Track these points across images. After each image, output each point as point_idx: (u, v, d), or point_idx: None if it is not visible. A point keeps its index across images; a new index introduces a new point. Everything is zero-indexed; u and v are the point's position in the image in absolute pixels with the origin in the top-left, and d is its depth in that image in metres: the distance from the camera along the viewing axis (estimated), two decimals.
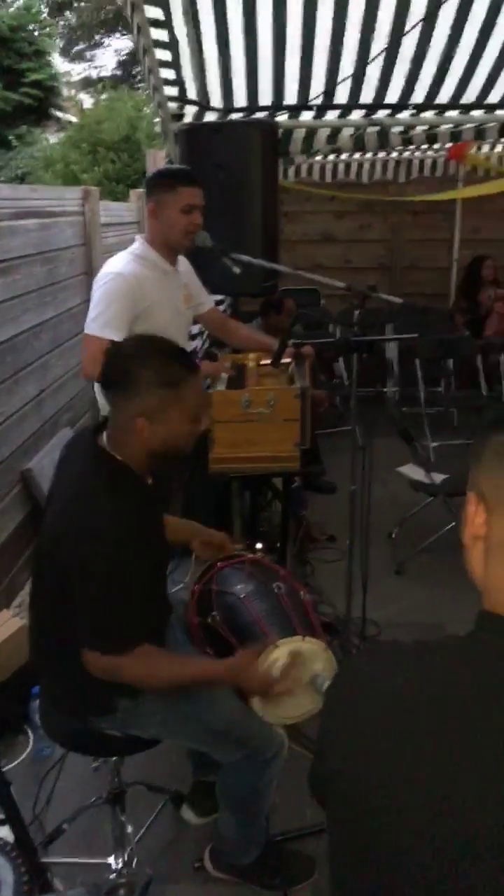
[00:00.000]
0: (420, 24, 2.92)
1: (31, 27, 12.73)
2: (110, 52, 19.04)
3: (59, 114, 13.71)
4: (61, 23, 17.31)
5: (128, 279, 2.23)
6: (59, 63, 14.52)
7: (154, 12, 2.74)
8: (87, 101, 13.50)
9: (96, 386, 2.39)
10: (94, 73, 18.49)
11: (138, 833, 1.87)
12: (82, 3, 18.10)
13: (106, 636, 1.43)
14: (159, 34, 2.89)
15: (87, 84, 17.45)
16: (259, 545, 3.03)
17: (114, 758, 1.70)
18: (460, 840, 0.65)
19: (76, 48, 18.51)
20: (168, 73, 3.24)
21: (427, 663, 0.77)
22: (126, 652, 1.43)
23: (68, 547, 1.41)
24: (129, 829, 1.78)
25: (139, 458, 1.49)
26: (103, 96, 11.15)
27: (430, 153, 5.69)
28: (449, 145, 5.00)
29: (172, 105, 3.47)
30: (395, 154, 5.64)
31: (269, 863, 1.79)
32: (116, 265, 2.28)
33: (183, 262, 2.49)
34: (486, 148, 5.14)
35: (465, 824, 0.65)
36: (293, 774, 1.82)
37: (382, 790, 0.70)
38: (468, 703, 0.70)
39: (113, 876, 1.69)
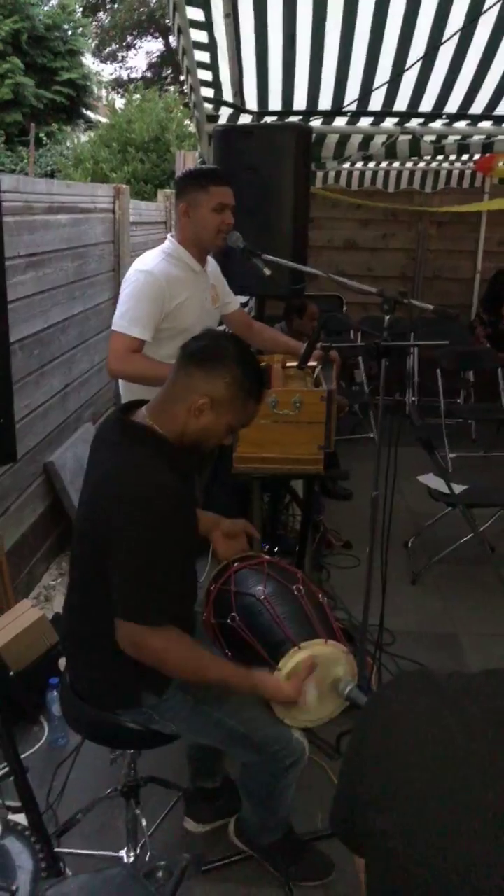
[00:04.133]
0: (457, 35, 2.92)
1: (65, 26, 12.86)
2: (141, 54, 19.22)
3: (89, 113, 13.84)
4: (94, 23, 17.47)
5: (157, 277, 2.24)
6: (91, 63, 14.66)
7: (195, 13, 2.76)
8: (118, 101, 13.60)
9: (120, 382, 2.42)
10: (125, 75, 18.65)
11: (151, 827, 1.87)
12: (116, 5, 18.25)
13: (140, 604, 1.41)
14: (199, 35, 2.91)
15: (118, 84, 17.60)
16: (276, 549, 3.05)
17: (131, 751, 1.71)
18: None
19: (108, 49, 18.67)
20: (205, 75, 3.26)
21: (472, 709, 0.74)
22: (158, 624, 1.42)
23: (109, 513, 1.42)
24: (144, 822, 1.78)
25: (177, 433, 1.50)
26: (135, 97, 11.22)
27: (457, 164, 5.70)
28: (478, 157, 5.01)
29: (208, 106, 3.49)
30: (422, 164, 5.65)
31: (289, 850, 1.80)
32: (147, 263, 2.29)
33: (211, 262, 2.51)
34: None
35: None
36: (306, 779, 1.82)
37: (439, 850, 0.67)
38: None
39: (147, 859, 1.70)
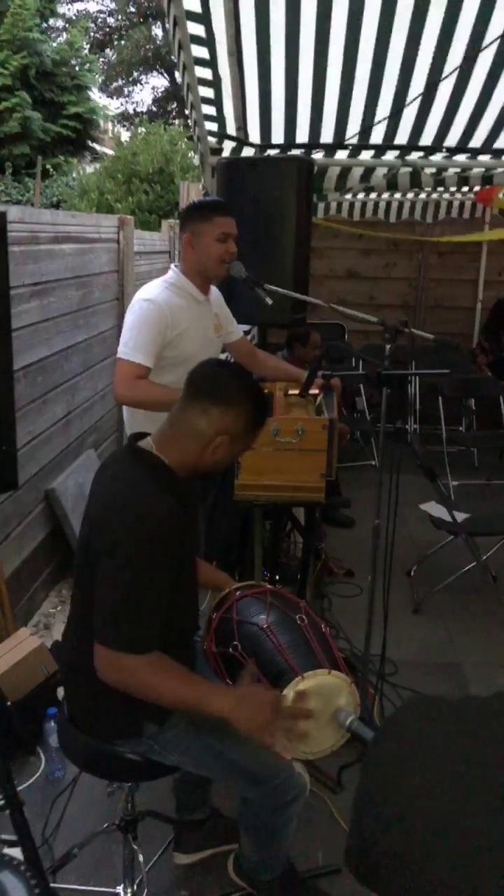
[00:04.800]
0: (457, 71, 2.99)
1: (72, 62, 13.17)
2: (147, 89, 19.66)
3: (95, 145, 14.11)
4: (101, 60, 17.90)
5: (160, 306, 2.27)
6: (97, 98, 14.99)
7: (200, 51, 2.83)
8: (123, 134, 13.88)
9: (124, 409, 2.44)
10: (130, 109, 19.05)
11: (149, 863, 1.84)
12: (122, 42, 18.72)
13: (117, 627, 1.37)
14: (203, 72, 2.99)
15: (123, 118, 17.97)
16: (277, 577, 3.03)
17: (129, 783, 1.68)
18: None
19: (115, 84, 19.10)
20: (209, 110, 3.33)
21: (486, 732, 0.73)
22: (138, 651, 1.37)
23: (104, 532, 1.41)
24: (141, 858, 1.74)
25: (187, 466, 1.51)
26: (140, 130, 11.45)
27: (458, 196, 5.78)
28: (478, 188, 5.09)
29: (212, 139, 3.56)
30: (423, 195, 5.73)
31: (289, 887, 1.76)
32: (150, 292, 2.32)
33: (214, 291, 2.54)
34: None
35: None
36: (307, 815, 1.79)
37: (455, 871, 0.66)
38: None
39: None
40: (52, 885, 1.70)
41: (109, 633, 1.38)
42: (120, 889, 1.73)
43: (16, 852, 1.53)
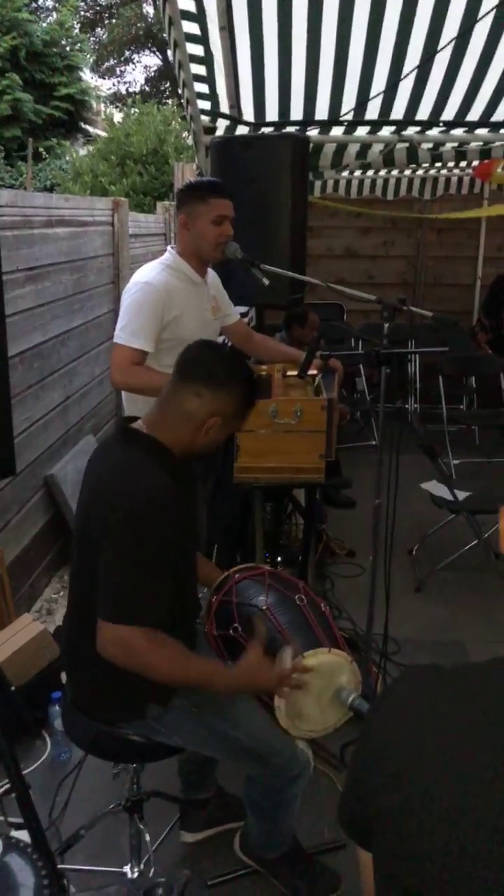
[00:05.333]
0: (452, 43, 2.94)
1: (63, 42, 12.97)
2: (139, 69, 19.37)
3: (87, 127, 13.94)
4: (92, 39, 17.63)
5: (157, 289, 2.25)
6: (89, 78, 14.79)
7: (191, 27, 2.78)
8: (116, 115, 13.70)
9: (123, 393, 2.42)
10: (123, 89, 18.79)
11: (155, 842, 1.85)
12: (113, 21, 18.42)
13: (120, 601, 1.38)
14: (195, 49, 2.93)
15: (116, 99, 17.73)
16: (279, 559, 3.03)
17: (134, 765, 1.69)
18: None
19: (106, 64, 18.82)
20: (202, 87, 3.28)
21: (479, 694, 0.74)
22: (138, 622, 1.38)
23: (104, 512, 1.41)
24: (147, 837, 1.76)
25: (181, 447, 1.51)
26: (133, 110, 11.30)
27: (455, 171, 5.71)
28: (476, 163, 5.02)
29: (205, 118, 3.51)
30: (420, 171, 5.66)
31: (296, 865, 1.78)
32: (146, 275, 2.30)
33: (211, 273, 2.51)
34: None
35: None
36: (312, 792, 1.81)
37: (445, 826, 0.67)
38: None
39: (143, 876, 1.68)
40: (60, 866, 1.72)
41: (113, 607, 1.39)
42: (127, 868, 1.75)
43: (23, 835, 1.54)
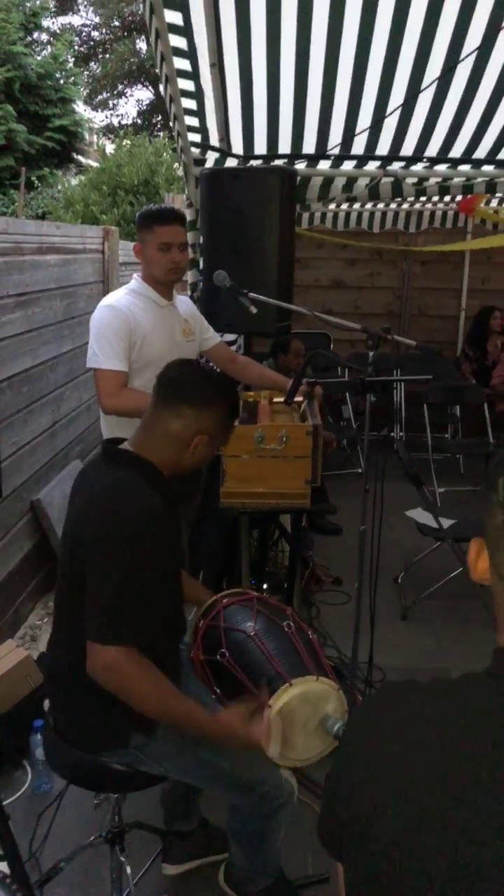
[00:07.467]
0: (436, 82, 3.03)
1: (57, 75, 13.20)
2: (132, 102, 19.70)
3: (80, 158, 14.13)
4: (86, 73, 17.94)
5: (120, 310, 2.30)
6: (82, 110, 15.02)
7: (182, 63, 2.85)
8: (108, 146, 13.91)
9: (102, 417, 2.44)
10: (115, 121, 19.10)
11: (137, 875, 1.82)
12: (107, 56, 18.79)
13: (108, 620, 1.37)
14: (186, 84, 3.01)
15: (108, 130, 18.01)
16: (265, 585, 3.02)
17: (115, 794, 1.66)
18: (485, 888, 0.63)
19: (99, 97, 19.15)
20: (192, 121, 3.35)
21: (447, 703, 0.75)
22: (126, 641, 1.37)
23: (89, 531, 1.41)
24: (129, 870, 1.73)
25: (168, 466, 1.52)
26: (125, 142, 11.48)
27: (440, 205, 5.84)
28: (459, 198, 5.14)
29: (195, 150, 3.58)
30: (406, 205, 5.79)
31: None
32: (109, 299, 2.37)
33: (184, 299, 2.57)
34: (494, 202, 5.26)
35: (492, 875, 0.63)
36: (296, 823, 1.78)
37: (409, 836, 0.67)
38: (495, 742, 0.69)
39: None
40: None
41: (100, 628, 1.38)
42: None
43: (2, 866, 1.51)
